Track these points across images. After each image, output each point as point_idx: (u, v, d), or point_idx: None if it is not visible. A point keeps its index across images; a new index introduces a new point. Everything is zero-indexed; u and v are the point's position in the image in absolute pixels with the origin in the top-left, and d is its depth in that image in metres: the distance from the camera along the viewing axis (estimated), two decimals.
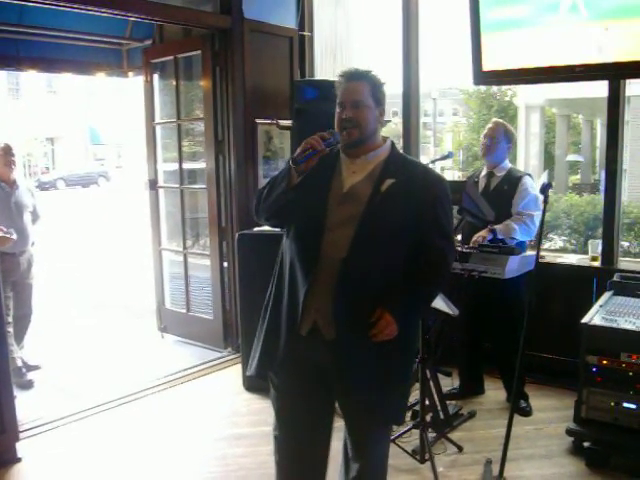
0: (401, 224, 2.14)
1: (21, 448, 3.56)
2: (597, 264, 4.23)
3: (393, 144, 2.29)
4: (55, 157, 35.40)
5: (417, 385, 3.40)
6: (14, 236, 4.19)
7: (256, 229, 4.34)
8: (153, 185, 5.61)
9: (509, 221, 3.84)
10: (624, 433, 3.23)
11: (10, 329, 4.29)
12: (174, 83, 5.30)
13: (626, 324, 3.27)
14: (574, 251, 8.20)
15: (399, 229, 2.14)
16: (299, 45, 5.28)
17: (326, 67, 5.48)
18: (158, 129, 5.61)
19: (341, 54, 5.59)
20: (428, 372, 3.48)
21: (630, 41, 3.47)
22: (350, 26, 5.73)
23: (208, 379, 4.69)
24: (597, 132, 22.92)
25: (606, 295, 3.72)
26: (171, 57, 5.26)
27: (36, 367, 4.86)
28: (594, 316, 3.40)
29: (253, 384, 4.28)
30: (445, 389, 3.91)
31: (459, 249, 3.62)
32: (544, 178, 4.55)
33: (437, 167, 4.25)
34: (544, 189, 2.96)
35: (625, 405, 3.23)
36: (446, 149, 29.29)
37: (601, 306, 3.54)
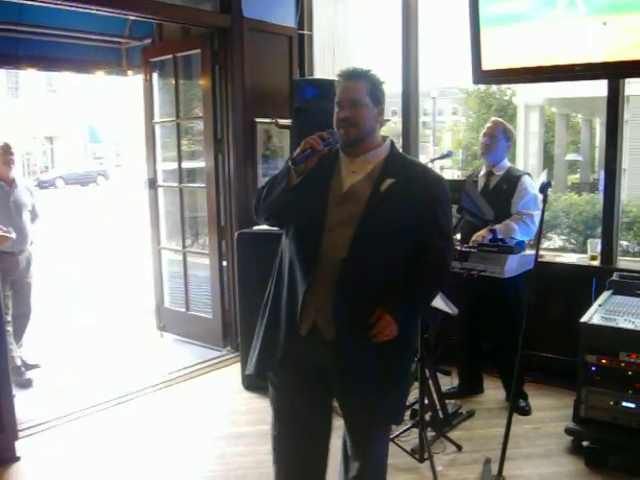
0: (401, 224, 2.14)
1: (20, 447, 3.56)
2: (596, 263, 4.23)
3: (392, 143, 2.29)
4: (54, 156, 35.37)
5: (416, 384, 3.41)
6: (13, 235, 4.19)
7: (255, 228, 4.34)
8: (152, 184, 5.61)
9: (509, 221, 3.84)
10: (623, 432, 3.23)
11: (9, 328, 4.28)
12: (173, 82, 5.30)
13: (625, 323, 3.27)
14: (573, 250, 8.21)
15: (399, 229, 2.14)
16: (298, 44, 5.28)
17: (325, 66, 5.48)
18: (157, 128, 5.60)
19: (340, 53, 5.59)
20: (427, 371, 3.49)
21: (628, 36, 3.47)
22: (349, 25, 5.73)
23: (207, 378, 4.69)
24: (596, 131, 22.88)
25: (605, 294, 3.72)
26: (170, 56, 5.26)
27: (35, 366, 4.86)
28: (593, 315, 3.40)
29: (252, 383, 4.28)
30: (444, 388, 3.91)
31: (458, 248, 3.62)
32: (543, 177, 4.54)
33: (436, 166, 4.25)
34: (543, 188, 2.96)
35: (624, 404, 3.23)
36: (445, 148, 29.30)
37: (600, 305, 3.54)
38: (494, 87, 24.05)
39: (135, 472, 3.40)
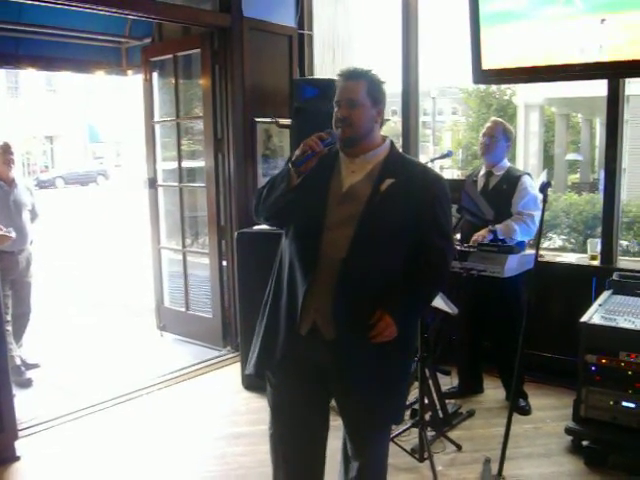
0: (400, 224, 2.14)
1: (20, 447, 3.56)
2: (596, 263, 4.24)
3: (392, 143, 2.29)
4: (54, 155, 35.36)
5: (416, 384, 3.41)
6: (13, 234, 4.19)
7: (255, 228, 4.34)
8: (152, 183, 5.61)
9: (509, 221, 3.84)
10: (623, 432, 3.23)
11: (9, 327, 4.28)
12: (173, 81, 5.30)
13: (625, 323, 3.27)
14: (573, 250, 8.21)
15: (398, 229, 2.14)
16: (298, 44, 5.28)
17: (325, 66, 5.48)
18: (157, 127, 5.60)
19: (340, 53, 5.59)
20: (427, 371, 3.49)
21: (627, 34, 3.47)
22: (350, 25, 5.73)
23: (207, 378, 4.69)
24: (596, 131, 22.90)
25: (605, 294, 3.72)
26: (170, 55, 5.26)
27: (35, 366, 4.86)
28: (593, 315, 3.40)
29: (252, 383, 4.28)
30: (444, 388, 3.91)
31: (458, 248, 3.62)
32: (543, 177, 4.54)
33: (436, 166, 4.25)
34: (543, 188, 2.96)
35: (624, 404, 3.23)
36: (445, 148, 29.31)
37: (600, 305, 3.54)
38: (494, 87, 24.06)
39: (135, 472, 3.40)
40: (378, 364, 2.15)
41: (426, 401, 3.46)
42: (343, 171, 2.23)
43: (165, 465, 3.47)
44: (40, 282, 5.65)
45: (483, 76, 4.08)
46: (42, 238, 6.18)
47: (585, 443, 3.38)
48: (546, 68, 3.79)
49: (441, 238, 2.21)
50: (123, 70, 6.66)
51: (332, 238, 2.13)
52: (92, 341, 5.67)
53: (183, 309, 5.50)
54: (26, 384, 4.55)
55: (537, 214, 3.78)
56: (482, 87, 23.95)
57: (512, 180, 3.94)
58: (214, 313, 5.19)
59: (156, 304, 5.72)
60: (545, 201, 2.98)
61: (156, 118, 5.57)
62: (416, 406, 3.52)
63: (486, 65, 3.98)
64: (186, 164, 5.47)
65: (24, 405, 4.01)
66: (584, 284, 4.14)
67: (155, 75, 5.54)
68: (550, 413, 3.93)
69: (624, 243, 8.05)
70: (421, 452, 3.32)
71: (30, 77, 30.19)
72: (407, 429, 3.46)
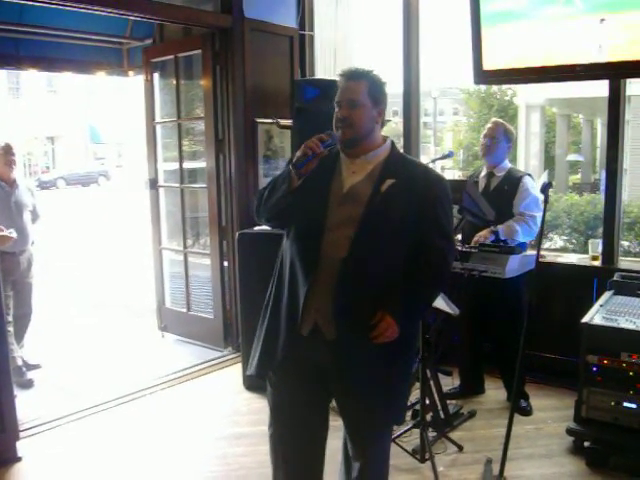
0: (401, 224, 2.14)
1: (21, 447, 3.56)
2: (597, 264, 4.23)
3: (393, 144, 2.29)
4: (55, 156, 35.38)
5: (417, 384, 3.40)
6: (14, 235, 4.19)
7: (256, 228, 4.34)
8: (153, 184, 5.61)
9: (511, 222, 3.83)
10: (624, 433, 3.23)
11: (10, 328, 4.29)
12: (174, 82, 5.30)
13: (626, 324, 3.27)
14: (574, 251, 8.19)
15: (399, 229, 2.14)
16: (300, 44, 5.28)
17: (327, 66, 5.48)
18: (158, 128, 5.60)
19: (342, 53, 5.59)
20: (428, 371, 3.48)
21: (627, 34, 3.47)
22: (351, 25, 5.73)
23: (208, 378, 4.69)
24: (597, 132, 22.90)
25: (606, 295, 3.72)
26: (171, 56, 5.26)
27: (36, 366, 4.86)
28: (594, 316, 3.40)
29: (253, 383, 4.28)
30: (445, 388, 3.91)
31: (459, 248, 3.62)
32: (544, 178, 4.54)
33: (437, 166, 4.25)
34: (544, 188, 2.96)
35: (625, 405, 3.23)
36: (446, 148, 29.29)
37: (601, 306, 3.54)
38: (495, 87, 24.09)
39: (136, 472, 3.40)
40: (379, 364, 2.15)
41: (427, 402, 3.46)
42: (344, 172, 2.23)
43: (166, 465, 3.47)
44: (41, 283, 5.65)
45: (484, 76, 4.08)
46: (43, 239, 6.19)
47: (586, 444, 3.38)
48: (547, 68, 3.79)
49: (442, 238, 2.21)
50: (124, 71, 6.67)
51: (333, 238, 2.13)
52: (93, 342, 5.67)
53: (184, 310, 5.50)
54: (27, 385, 4.55)
55: (539, 215, 3.78)
56: (483, 88, 23.99)
57: (513, 181, 3.94)
58: (215, 314, 5.20)
59: (157, 305, 5.73)
60: (546, 202, 2.98)
61: (157, 119, 5.57)
62: (417, 407, 3.51)
63: (487, 65, 3.98)
64: (187, 165, 5.47)
65: (25, 406, 4.02)
66: (585, 285, 4.14)
67: (156, 76, 5.54)
68: (551, 414, 3.93)
69: (625, 244, 8.03)
70: (422, 453, 3.31)
71: (31, 78, 30.22)
72: (408, 430, 3.46)
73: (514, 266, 3.50)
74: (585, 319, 3.36)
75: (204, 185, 5.16)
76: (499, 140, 3.98)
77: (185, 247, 5.48)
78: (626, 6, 3.48)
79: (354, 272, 2.10)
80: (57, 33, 5.76)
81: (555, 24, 3.71)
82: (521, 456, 3.42)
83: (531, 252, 3.82)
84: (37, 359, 4.94)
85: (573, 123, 24.30)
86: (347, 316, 2.10)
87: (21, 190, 4.64)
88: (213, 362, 4.93)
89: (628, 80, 4.09)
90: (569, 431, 3.45)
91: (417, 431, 3.36)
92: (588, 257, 4.33)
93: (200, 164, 5.31)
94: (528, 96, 19.19)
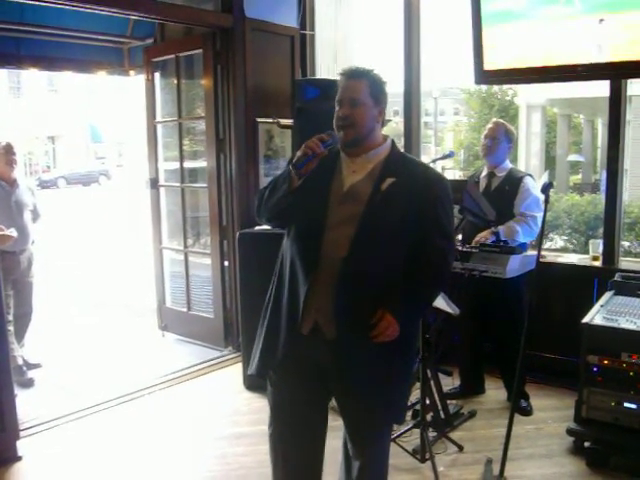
0: (401, 223, 2.14)
1: (21, 446, 3.56)
2: (598, 264, 4.23)
3: (393, 143, 2.29)
4: (56, 156, 35.40)
5: (418, 384, 3.40)
6: (15, 234, 4.20)
7: (257, 228, 4.35)
8: (154, 184, 5.61)
9: (512, 222, 3.83)
10: (625, 433, 3.23)
11: (11, 327, 4.30)
12: (175, 82, 5.30)
13: (627, 324, 3.27)
14: (575, 251, 8.19)
15: (399, 228, 2.14)
16: (300, 44, 5.28)
17: (327, 66, 5.48)
18: (159, 128, 5.60)
19: (342, 53, 5.59)
20: (429, 371, 3.48)
21: (626, 34, 3.47)
22: (352, 25, 5.73)
23: (208, 378, 4.69)
24: (598, 132, 22.90)
25: (607, 295, 3.72)
26: (172, 56, 5.26)
27: (37, 365, 4.87)
28: (595, 316, 3.39)
29: (254, 383, 4.28)
30: (446, 388, 3.91)
31: (460, 248, 3.62)
32: (545, 178, 4.54)
33: (438, 166, 4.25)
34: (545, 189, 2.96)
35: (626, 405, 3.23)
36: (447, 148, 29.28)
37: (602, 306, 3.54)
38: (496, 87, 24.08)
39: (136, 472, 3.40)
40: (379, 364, 2.15)
41: (427, 402, 3.46)
42: (344, 171, 2.23)
43: (166, 465, 3.47)
44: (42, 282, 5.65)
45: (485, 76, 4.08)
46: (44, 238, 6.19)
47: (587, 444, 3.38)
48: (548, 68, 3.79)
49: (442, 238, 2.20)
50: (125, 70, 6.67)
51: (333, 238, 2.13)
52: (94, 341, 5.67)
53: (185, 309, 5.51)
54: (28, 384, 4.56)
55: (539, 215, 3.78)
56: (484, 88, 23.97)
57: (514, 181, 3.94)
58: (216, 313, 5.20)
59: (158, 304, 5.73)
60: (547, 202, 2.98)
61: (158, 118, 5.57)
62: (418, 407, 3.51)
63: (488, 65, 3.98)
64: (188, 164, 5.47)
65: (26, 405, 4.02)
66: (586, 285, 4.13)
67: (157, 75, 5.54)
68: (552, 414, 3.93)
69: (626, 244, 8.03)
70: (422, 453, 3.31)
71: (32, 77, 30.22)
72: (409, 430, 3.46)
73: (515, 266, 3.50)
74: (586, 319, 3.36)
75: (205, 185, 5.16)
76: (500, 140, 3.98)
77: (186, 247, 5.48)
78: (625, 6, 3.47)
79: (354, 271, 2.10)
80: (58, 32, 5.75)
81: (555, 24, 3.71)
82: (521, 456, 3.42)
83: (532, 252, 3.82)
84: (37, 358, 4.94)
85: (574, 123, 24.28)
86: (347, 315, 2.10)
87: (21, 189, 4.64)
88: (213, 362, 4.93)
89: (629, 80, 4.09)
90: (569, 431, 3.45)
91: (417, 431, 3.36)
92: (589, 257, 4.33)
93: (201, 164, 5.32)
94: (529, 96, 19.18)
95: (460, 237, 3.91)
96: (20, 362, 4.62)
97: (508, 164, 4.06)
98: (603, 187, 5.48)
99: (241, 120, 4.85)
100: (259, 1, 4.92)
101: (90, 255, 10.86)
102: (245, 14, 4.80)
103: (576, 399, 3.42)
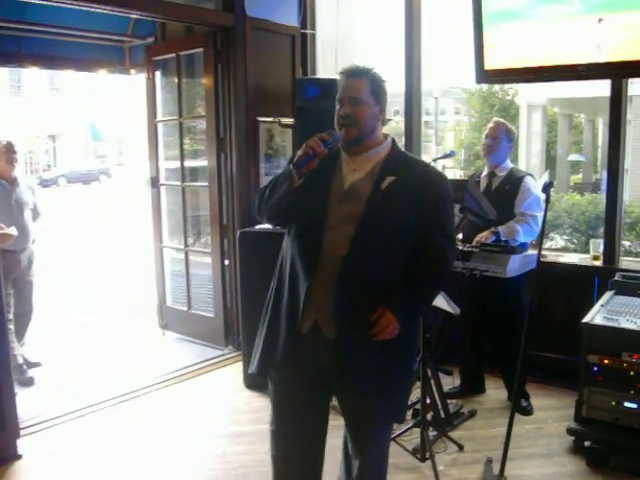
0: (401, 222, 2.14)
1: (22, 445, 3.56)
2: (598, 263, 4.23)
3: (394, 141, 2.29)
4: (56, 154, 35.38)
5: (418, 384, 3.40)
6: (15, 233, 4.19)
7: (257, 227, 4.35)
8: (155, 182, 5.61)
9: (512, 222, 3.83)
10: (625, 433, 3.23)
11: (11, 326, 4.30)
12: (176, 81, 5.30)
13: (627, 324, 3.27)
14: (575, 250, 8.20)
15: (399, 227, 2.14)
16: (301, 43, 5.28)
17: (328, 65, 5.47)
18: (160, 127, 5.60)
19: (343, 52, 5.58)
20: (429, 371, 3.48)
21: (625, 34, 3.47)
22: (352, 24, 5.72)
23: (209, 377, 4.69)
24: (599, 131, 22.88)
25: (607, 294, 3.72)
26: (173, 55, 5.26)
27: (37, 364, 4.87)
28: (595, 315, 3.39)
29: (254, 382, 4.28)
30: (446, 388, 3.91)
31: (460, 248, 3.62)
32: (545, 178, 4.55)
33: (438, 166, 4.25)
34: (546, 188, 2.96)
35: (626, 405, 3.23)
36: (448, 148, 29.28)
37: (602, 305, 3.54)
38: (496, 87, 24.09)
39: (136, 470, 3.40)
40: (379, 363, 2.15)
41: (428, 401, 3.46)
42: (344, 169, 2.23)
43: (166, 464, 3.47)
44: (42, 281, 5.65)
45: (486, 76, 4.08)
46: (44, 237, 6.19)
47: (587, 444, 3.38)
48: (548, 68, 3.79)
49: (443, 238, 2.21)
50: (126, 69, 6.66)
51: (333, 236, 2.13)
52: (94, 340, 5.67)
53: (185, 308, 5.51)
54: (28, 383, 4.56)
55: (540, 215, 3.78)
56: (484, 87, 23.96)
57: (515, 181, 3.94)
58: (216, 312, 5.20)
59: (158, 303, 5.73)
60: (547, 201, 2.97)
61: (159, 117, 5.57)
62: (418, 406, 3.51)
63: (488, 65, 3.98)
64: (188, 163, 5.47)
65: (26, 403, 4.02)
66: (586, 284, 4.13)
67: (158, 74, 5.54)
68: (552, 413, 3.93)
69: (626, 243, 8.03)
70: (423, 452, 3.32)
71: (32, 76, 30.17)
72: (409, 429, 3.47)
73: (515, 266, 3.50)
74: (586, 319, 3.36)
75: (205, 184, 5.16)
76: (501, 140, 3.98)
77: (186, 245, 5.48)
78: (624, 6, 3.48)
79: (354, 270, 2.09)
80: (58, 31, 5.75)
81: (554, 24, 3.72)
82: (521, 456, 3.42)
83: (532, 252, 3.82)
84: (38, 357, 4.94)
85: (574, 123, 24.27)
86: (347, 314, 2.10)
87: (22, 188, 4.64)
88: (214, 360, 4.93)
89: (630, 80, 4.09)
90: (570, 431, 3.45)
91: (417, 430, 3.37)
92: (589, 257, 4.33)
93: (201, 162, 5.31)
94: (530, 96, 19.17)
95: (460, 236, 3.92)
96: (20, 361, 4.62)
97: (509, 164, 4.06)
98: (604, 187, 5.48)
99: (242, 119, 4.85)
100: (260, 0, 4.92)
101: (90, 254, 10.86)
102: (246, 13, 4.80)
103: (576, 399, 3.42)
